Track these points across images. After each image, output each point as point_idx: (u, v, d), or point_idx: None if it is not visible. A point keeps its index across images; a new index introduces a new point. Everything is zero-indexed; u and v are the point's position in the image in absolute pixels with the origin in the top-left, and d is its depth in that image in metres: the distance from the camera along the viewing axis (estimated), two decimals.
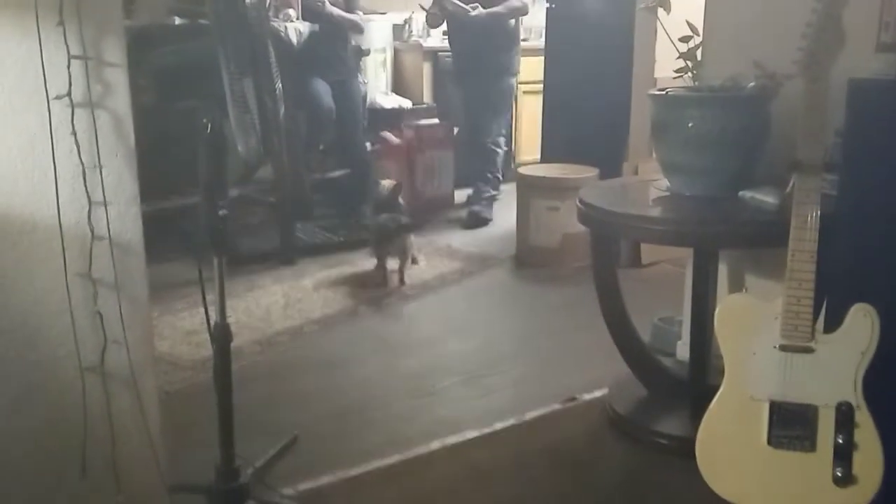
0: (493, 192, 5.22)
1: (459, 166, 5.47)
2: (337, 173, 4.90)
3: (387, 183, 4.23)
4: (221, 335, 2.08)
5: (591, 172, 4.18)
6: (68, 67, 1.71)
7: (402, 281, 3.94)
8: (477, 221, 5.04)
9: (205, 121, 1.91)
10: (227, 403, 2.11)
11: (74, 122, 1.74)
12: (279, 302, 3.74)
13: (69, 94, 1.72)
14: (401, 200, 4.20)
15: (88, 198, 1.78)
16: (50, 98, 1.72)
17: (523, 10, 5.02)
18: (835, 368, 1.84)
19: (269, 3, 4.27)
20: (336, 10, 4.63)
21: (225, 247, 2.04)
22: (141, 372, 1.90)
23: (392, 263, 3.99)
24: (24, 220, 1.77)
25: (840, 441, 1.83)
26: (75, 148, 1.75)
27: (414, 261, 4.13)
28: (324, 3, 4.55)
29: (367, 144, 4.95)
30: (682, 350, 2.90)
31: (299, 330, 3.44)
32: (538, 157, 5.16)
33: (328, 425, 2.67)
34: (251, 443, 2.29)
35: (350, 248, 4.45)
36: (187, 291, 3.64)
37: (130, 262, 1.87)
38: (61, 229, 1.77)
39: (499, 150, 5.22)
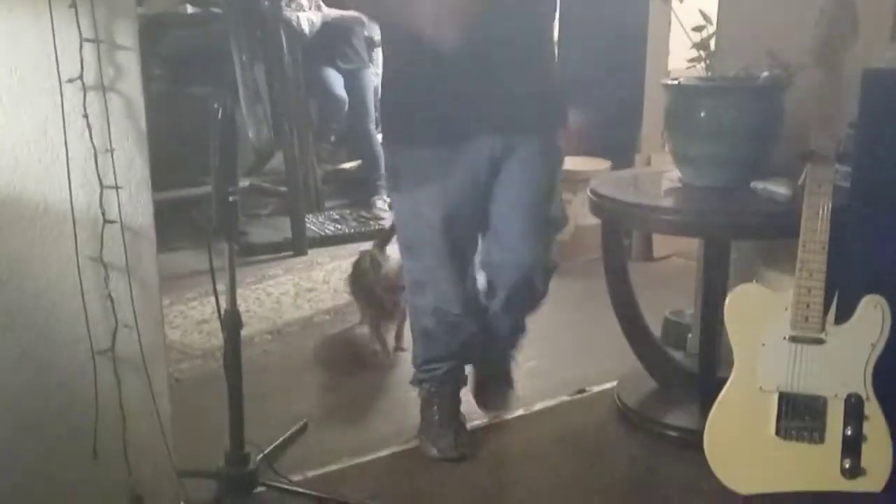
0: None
1: None
2: (348, 165, 4.90)
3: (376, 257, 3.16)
4: (232, 322, 2.09)
5: (603, 165, 4.16)
6: (80, 50, 1.71)
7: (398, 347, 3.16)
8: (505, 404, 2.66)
9: (216, 106, 1.92)
10: (237, 389, 2.12)
11: (86, 105, 1.74)
12: (290, 292, 3.75)
13: (81, 77, 1.72)
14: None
15: (100, 181, 1.78)
16: (62, 81, 1.72)
17: None
18: (844, 360, 1.84)
19: None
20: (334, 12, 4.61)
21: (235, 233, 2.05)
22: (152, 356, 1.91)
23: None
24: (36, 202, 1.77)
25: (849, 433, 1.83)
26: (87, 131, 1.75)
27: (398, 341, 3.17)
28: (320, 6, 4.55)
29: (378, 136, 4.94)
30: (693, 343, 2.89)
31: (310, 320, 3.45)
32: None
33: (338, 414, 2.68)
34: (261, 430, 2.31)
35: (361, 239, 4.45)
36: (198, 281, 3.65)
37: (141, 245, 1.87)
38: (73, 212, 1.78)
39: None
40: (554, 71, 2.40)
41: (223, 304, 2.12)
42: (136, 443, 1.96)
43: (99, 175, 1.78)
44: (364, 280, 3.13)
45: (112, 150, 1.78)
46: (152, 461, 2.00)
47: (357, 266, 3.24)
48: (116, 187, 1.80)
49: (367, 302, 3.17)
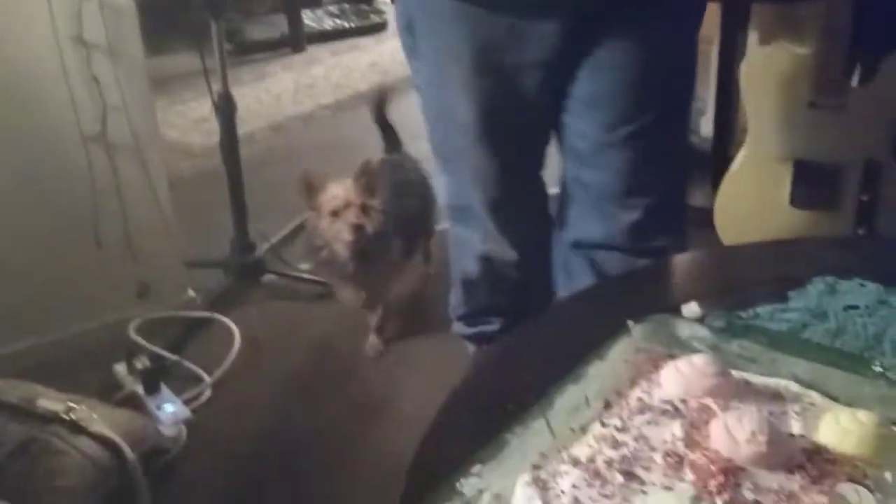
0: None
1: None
2: None
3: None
4: (225, 104, 2.02)
5: None
6: None
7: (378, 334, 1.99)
8: None
9: None
10: (236, 173, 2.09)
11: None
12: (289, 88, 3.65)
13: None
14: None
15: None
16: None
17: None
18: (865, 124, 1.77)
19: None
20: None
21: (222, 9, 1.95)
22: (145, 141, 1.85)
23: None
24: None
25: (864, 199, 1.78)
26: None
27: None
28: None
29: None
30: (706, 126, 2.81)
31: (311, 116, 3.37)
32: None
33: None
34: (267, 223, 2.29)
35: (360, 33, 4.28)
36: (195, 81, 3.52)
37: (123, 24, 1.77)
38: None
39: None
40: None
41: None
42: (139, 231, 1.94)
43: None
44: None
45: None
46: (157, 251, 1.99)
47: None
48: None
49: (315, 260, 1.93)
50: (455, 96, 1.40)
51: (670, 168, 1.45)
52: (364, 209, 1.76)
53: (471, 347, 1.75)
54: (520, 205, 1.53)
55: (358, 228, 1.74)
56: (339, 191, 1.77)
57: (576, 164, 1.46)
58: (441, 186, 1.62)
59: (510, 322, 1.65)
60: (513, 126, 1.43)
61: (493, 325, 1.67)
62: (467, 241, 1.61)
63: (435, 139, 1.53)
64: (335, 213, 1.76)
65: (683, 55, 1.40)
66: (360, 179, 1.78)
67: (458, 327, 1.74)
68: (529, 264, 1.58)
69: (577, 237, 1.51)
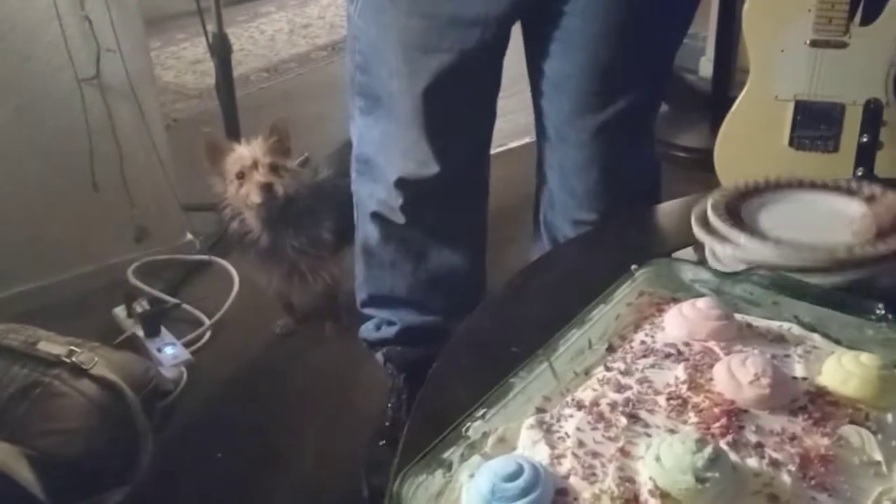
0: None
1: None
2: None
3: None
4: (220, 45, 1.99)
5: None
6: None
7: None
8: None
9: None
10: (232, 114, 2.06)
11: None
12: (284, 29, 3.60)
13: None
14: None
15: None
16: None
17: None
18: (867, 63, 1.75)
19: None
20: None
21: None
22: (139, 82, 1.83)
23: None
24: None
25: (865, 140, 1.77)
26: None
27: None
28: None
29: None
30: (706, 67, 2.78)
31: (306, 57, 3.33)
32: None
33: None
34: None
35: None
36: (188, 22, 3.49)
37: None
38: None
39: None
40: None
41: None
42: (136, 176, 1.93)
43: None
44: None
45: None
46: (154, 195, 1.98)
47: None
48: None
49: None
50: (383, 37, 1.16)
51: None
52: (274, 168, 1.61)
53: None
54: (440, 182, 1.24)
55: (267, 188, 1.57)
56: (245, 151, 1.62)
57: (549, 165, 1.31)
58: (355, 132, 1.34)
59: (425, 321, 1.37)
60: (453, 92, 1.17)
61: (395, 326, 1.41)
62: (366, 197, 1.33)
63: (359, 70, 1.27)
64: (241, 175, 1.60)
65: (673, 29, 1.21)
66: (271, 139, 1.64)
67: (365, 330, 1.48)
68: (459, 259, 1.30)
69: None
